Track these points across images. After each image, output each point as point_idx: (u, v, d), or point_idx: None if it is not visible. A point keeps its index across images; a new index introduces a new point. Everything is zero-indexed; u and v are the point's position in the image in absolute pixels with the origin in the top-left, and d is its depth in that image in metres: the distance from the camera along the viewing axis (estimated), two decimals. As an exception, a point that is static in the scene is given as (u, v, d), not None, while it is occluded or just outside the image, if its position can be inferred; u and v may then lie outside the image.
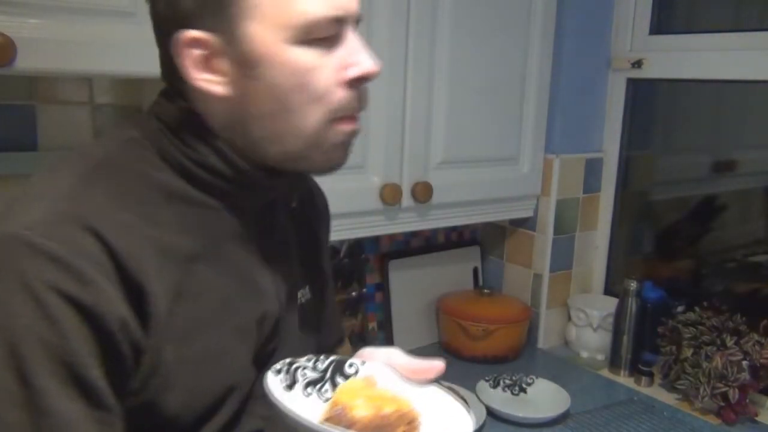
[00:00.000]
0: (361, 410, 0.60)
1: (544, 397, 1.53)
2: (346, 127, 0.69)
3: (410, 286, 1.82)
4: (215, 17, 0.64)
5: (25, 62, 0.92)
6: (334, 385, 0.66)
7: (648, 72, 1.75)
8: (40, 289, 0.56)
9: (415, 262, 1.83)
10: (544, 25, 1.64)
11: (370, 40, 1.35)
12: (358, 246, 1.73)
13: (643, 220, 1.97)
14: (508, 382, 1.58)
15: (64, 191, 0.62)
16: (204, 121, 0.69)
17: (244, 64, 0.65)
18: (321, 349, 0.85)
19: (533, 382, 1.58)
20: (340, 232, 1.44)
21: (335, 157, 0.72)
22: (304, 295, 0.82)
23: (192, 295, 0.66)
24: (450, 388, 0.67)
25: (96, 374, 0.58)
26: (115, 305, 0.59)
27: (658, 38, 1.76)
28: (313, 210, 0.92)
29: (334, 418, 0.60)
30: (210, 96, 0.67)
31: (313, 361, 0.67)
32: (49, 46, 0.95)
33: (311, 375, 0.66)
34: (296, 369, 0.65)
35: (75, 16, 0.96)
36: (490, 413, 1.45)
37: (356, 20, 0.68)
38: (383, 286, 1.79)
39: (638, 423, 1.47)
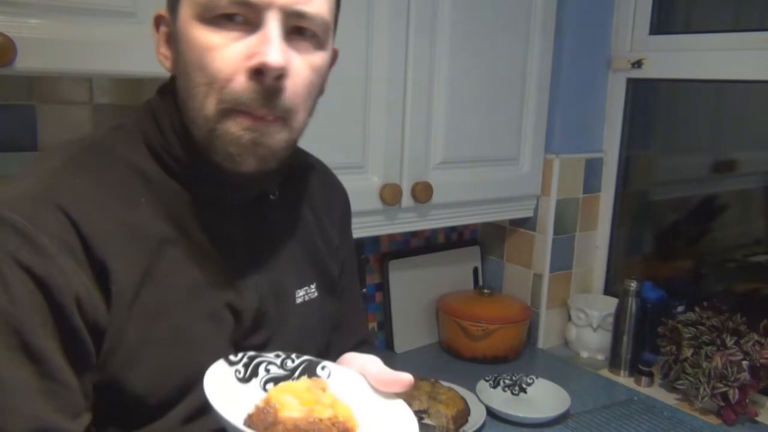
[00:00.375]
0: (292, 411, 0.58)
1: (544, 397, 1.53)
2: (241, 121, 0.65)
3: (410, 286, 1.82)
4: None
5: (25, 62, 0.92)
6: None
7: (648, 72, 1.75)
8: (0, 257, 0.59)
9: (415, 262, 1.83)
10: (544, 26, 1.64)
11: (370, 40, 1.36)
12: (358, 246, 1.73)
13: (643, 220, 1.97)
14: (508, 382, 1.58)
15: (46, 173, 0.66)
16: (179, 111, 0.70)
17: (174, 41, 0.68)
18: (339, 350, 0.84)
19: (533, 382, 1.58)
20: (340, 232, 1.44)
21: (234, 154, 0.66)
22: (307, 293, 0.82)
23: (161, 276, 0.67)
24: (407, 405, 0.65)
25: (47, 345, 0.60)
26: (70, 279, 0.61)
27: (658, 38, 1.76)
28: (327, 207, 0.90)
29: (258, 415, 0.58)
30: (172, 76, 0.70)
31: (282, 358, 0.66)
32: (49, 46, 0.95)
33: (276, 372, 0.65)
34: (259, 363, 0.65)
35: (75, 16, 0.96)
36: (490, 413, 1.45)
37: (287, 12, 0.65)
38: (383, 286, 1.79)
39: (638, 423, 1.47)
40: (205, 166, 0.69)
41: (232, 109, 0.64)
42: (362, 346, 0.97)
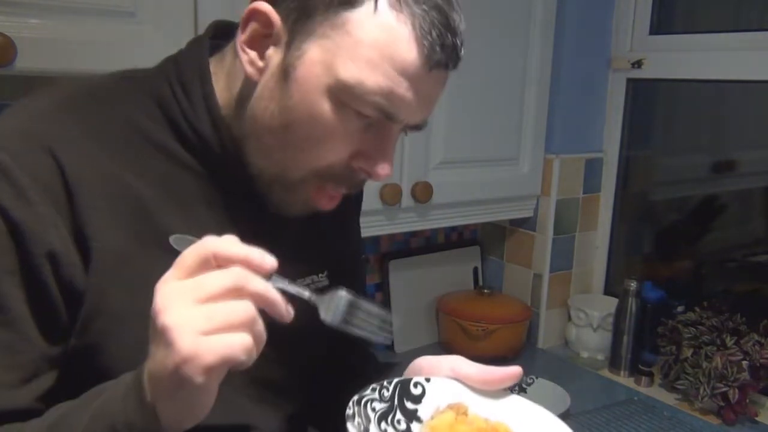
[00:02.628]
0: None
1: (544, 397, 1.53)
2: (321, 201, 0.67)
3: (410, 286, 1.82)
4: (297, 12, 0.62)
5: (25, 62, 0.92)
6: (405, 412, 0.63)
7: (648, 72, 1.75)
8: None
9: (415, 262, 1.83)
10: (544, 25, 1.64)
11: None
12: (358, 246, 1.73)
13: (643, 220, 1.97)
14: (508, 382, 1.58)
15: (37, 112, 0.63)
16: (216, 86, 0.67)
17: (284, 70, 0.63)
18: (347, 342, 0.81)
19: (533, 382, 1.58)
20: (340, 232, 1.44)
21: (289, 209, 0.68)
22: (314, 282, 0.79)
23: (152, 247, 0.63)
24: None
25: (11, 293, 0.57)
26: (46, 230, 0.58)
27: (658, 38, 1.76)
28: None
29: None
30: (239, 69, 0.65)
31: (378, 390, 0.63)
32: (49, 46, 0.95)
33: (380, 407, 0.62)
34: (365, 404, 0.62)
35: (75, 16, 0.96)
36: (490, 413, 1.45)
37: (411, 128, 0.66)
38: (383, 286, 1.79)
39: (638, 423, 1.47)
40: (233, 161, 0.66)
41: (320, 180, 0.65)
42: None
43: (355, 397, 0.61)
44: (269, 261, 0.53)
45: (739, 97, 1.76)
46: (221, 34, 0.70)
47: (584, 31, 1.75)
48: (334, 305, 0.59)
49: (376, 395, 0.63)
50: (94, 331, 0.61)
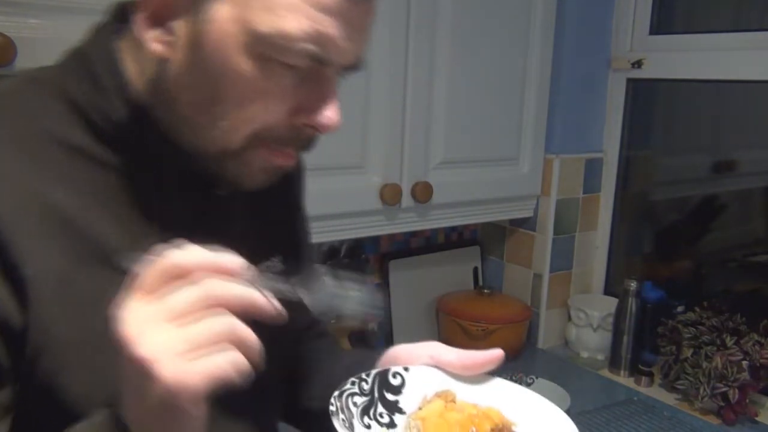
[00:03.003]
0: None
1: (544, 397, 1.53)
2: (276, 160, 0.60)
3: (410, 286, 1.82)
4: None
5: (25, 62, 0.92)
6: (386, 404, 0.61)
7: (648, 72, 1.75)
8: None
9: (415, 262, 1.83)
10: (544, 25, 1.64)
11: (370, 40, 1.35)
12: (358, 246, 1.73)
13: (643, 220, 1.97)
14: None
15: None
16: (129, 74, 0.60)
17: (195, 39, 0.56)
18: (303, 320, 0.77)
19: (533, 382, 1.58)
20: (340, 232, 1.44)
21: (251, 180, 0.61)
22: (269, 268, 0.71)
23: (91, 261, 0.57)
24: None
25: None
26: None
27: (658, 38, 1.76)
28: (289, 177, 0.81)
29: None
30: (148, 50, 0.58)
31: (357, 383, 0.61)
32: (49, 46, 0.94)
33: (361, 401, 0.61)
34: (347, 399, 0.59)
35: (75, 16, 0.96)
36: (490, 413, 1.45)
37: (349, 69, 0.60)
38: (383, 286, 1.79)
39: (638, 423, 1.47)
40: (165, 151, 0.60)
41: (264, 142, 0.58)
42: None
43: (336, 392, 0.59)
44: (238, 262, 0.49)
45: (739, 97, 1.76)
46: (128, 14, 0.61)
47: (584, 31, 1.75)
48: (319, 290, 0.55)
49: (356, 389, 0.61)
50: (44, 366, 0.55)
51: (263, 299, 0.49)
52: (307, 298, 0.55)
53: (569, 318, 1.85)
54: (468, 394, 0.62)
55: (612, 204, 1.88)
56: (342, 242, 1.69)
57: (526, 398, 0.63)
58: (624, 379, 1.69)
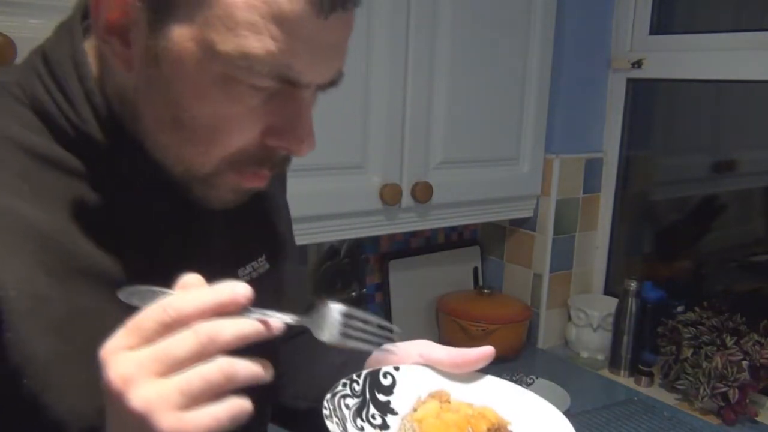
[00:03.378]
0: None
1: (544, 397, 1.53)
2: (246, 183, 0.56)
3: (410, 286, 1.82)
4: None
5: (25, 62, 0.92)
6: (378, 405, 0.60)
7: (648, 72, 1.75)
8: None
9: (415, 262, 1.83)
10: (544, 25, 1.64)
11: (370, 40, 1.36)
12: (358, 246, 1.73)
13: (643, 220, 1.97)
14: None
15: None
16: (97, 76, 0.56)
17: (153, 56, 0.51)
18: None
19: (533, 382, 1.58)
20: (340, 232, 1.44)
21: (218, 202, 0.57)
22: (255, 269, 0.70)
23: (69, 276, 0.54)
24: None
25: None
26: None
27: (658, 38, 1.76)
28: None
29: None
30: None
31: (348, 384, 0.60)
32: (49, 46, 0.95)
33: (353, 402, 0.60)
34: (339, 401, 0.58)
35: (75, 16, 0.96)
36: (490, 413, 1.45)
37: (326, 86, 0.55)
38: (383, 286, 1.79)
39: (638, 423, 1.47)
40: (138, 161, 0.56)
41: (236, 166, 0.55)
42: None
43: (328, 395, 0.58)
44: (243, 293, 0.46)
45: (739, 97, 1.76)
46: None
47: (584, 31, 1.76)
48: (329, 322, 0.54)
49: (348, 390, 0.60)
50: (27, 386, 0.52)
51: (258, 329, 0.47)
52: (316, 332, 0.54)
53: (569, 318, 1.85)
54: (462, 393, 0.62)
55: (612, 204, 1.88)
56: (342, 242, 1.69)
57: (520, 396, 0.62)
58: (624, 379, 1.69)
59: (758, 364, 1.45)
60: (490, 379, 0.63)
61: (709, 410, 1.50)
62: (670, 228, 1.96)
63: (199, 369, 0.43)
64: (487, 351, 0.61)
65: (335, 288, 1.70)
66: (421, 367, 0.63)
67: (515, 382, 1.70)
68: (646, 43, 1.77)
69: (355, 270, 1.75)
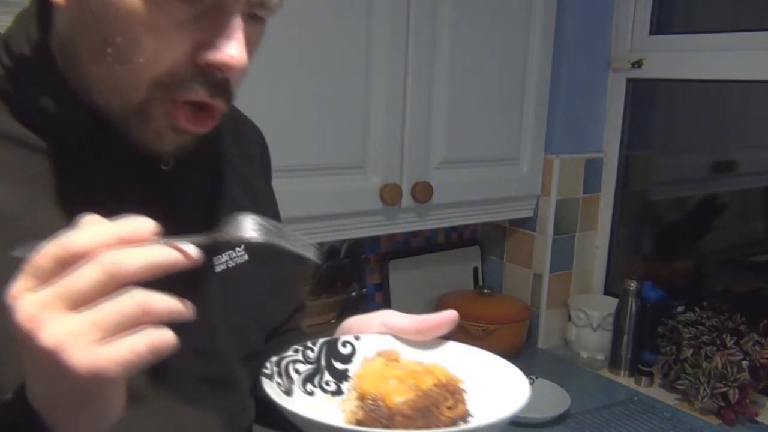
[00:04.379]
0: (399, 395, 0.51)
1: (544, 397, 1.53)
2: (183, 121, 0.54)
3: (410, 286, 1.82)
4: None
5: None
6: (333, 372, 0.59)
7: (648, 72, 1.75)
8: None
9: (415, 262, 1.83)
10: (544, 25, 1.64)
11: (370, 40, 1.36)
12: (358, 246, 1.73)
13: (643, 220, 1.97)
14: (508, 382, 1.58)
15: None
16: (51, 53, 0.57)
17: None
18: (275, 317, 0.77)
19: (533, 382, 1.58)
20: (340, 232, 1.44)
21: (160, 142, 0.55)
22: (232, 258, 0.69)
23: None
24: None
25: None
26: None
27: (658, 38, 1.76)
28: (244, 154, 0.77)
29: (370, 415, 0.51)
30: (57, 18, 0.55)
31: (301, 351, 0.59)
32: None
33: (305, 368, 0.58)
34: (287, 366, 0.57)
35: (75, 16, 0.96)
36: (490, 413, 1.45)
37: (256, 5, 0.54)
38: (383, 286, 1.79)
39: (638, 423, 1.47)
40: (85, 124, 0.56)
41: (168, 92, 0.53)
42: (300, 311, 0.86)
43: (274, 358, 0.56)
44: (147, 225, 0.43)
45: (739, 97, 1.76)
46: None
47: (584, 31, 1.76)
48: (246, 225, 0.49)
49: (300, 356, 0.58)
50: None
51: (171, 254, 0.43)
52: (236, 233, 0.49)
53: (569, 318, 1.85)
54: (416, 355, 0.60)
55: (612, 204, 1.88)
56: (342, 242, 1.69)
57: (478, 357, 0.60)
58: (624, 379, 1.69)
59: (758, 364, 1.45)
60: (452, 345, 0.61)
61: (709, 410, 1.50)
62: (670, 228, 1.96)
63: (111, 301, 0.41)
64: (448, 315, 0.60)
65: (335, 288, 1.70)
66: (384, 336, 0.61)
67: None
68: (646, 43, 1.77)
69: (355, 270, 1.75)
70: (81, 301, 0.41)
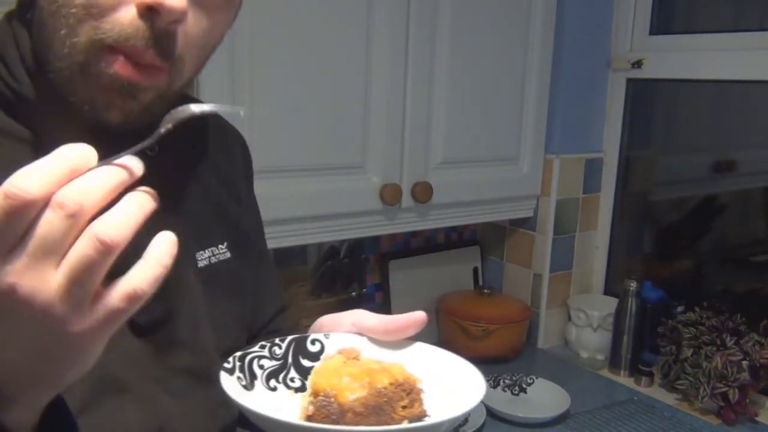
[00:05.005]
0: (352, 392, 0.51)
1: (544, 397, 1.53)
2: (121, 64, 0.53)
3: (410, 286, 1.82)
4: None
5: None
6: (300, 370, 0.59)
7: (648, 72, 1.75)
8: None
9: (415, 262, 1.83)
10: (544, 25, 1.64)
11: (370, 40, 1.36)
12: (358, 246, 1.73)
13: (643, 220, 1.97)
14: (508, 382, 1.58)
15: None
16: (33, 40, 0.57)
17: None
18: (257, 317, 0.77)
19: (533, 382, 1.58)
20: (340, 232, 1.44)
21: (98, 101, 0.54)
22: (215, 254, 0.70)
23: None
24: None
25: None
26: None
27: (658, 38, 1.76)
28: (227, 156, 0.77)
29: (321, 411, 0.51)
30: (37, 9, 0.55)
31: (268, 347, 0.58)
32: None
33: (270, 364, 0.58)
34: (251, 362, 0.57)
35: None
36: (490, 413, 1.45)
37: None
38: (383, 286, 1.79)
39: (638, 423, 1.47)
40: (66, 112, 0.56)
41: (111, 45, 0.52)
42: (283, 313, 0.86)
43: (238, 354, 0.56)
44: (89, 151, 0.39)
45: (739, 97, 1.76)
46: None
47: (584, 31, 1.76)
48: (181, 108, 0.46)
49: (266, 353, 0.58)
50: None
51: (122, 172, 0.40)
52: (170, 116, 0.45)
53: (569, 318, 1.85)
54: (378, 354, 0.60)
55: (612, 204, 1.88)
56: (342, 242, 1.69)
57: (439, 357, 0.59)
58: (624, 379, 1.69)
59: (758, 364, 1.45)
60: (419, 345, 0.61)
61: (709, 410, 1.50)
62: (670, 228, 1.96)
63: (78, 251, 0.37)
64: (417, 316, 0.60)
65: (335, 288, 1.70)
66: (353, 335, 0.61)
67: (515, 382, 1.70)
68: (646, 43, 1.77)
69: (355, 270, 1.75)
70: (58, 254, 0.37)
